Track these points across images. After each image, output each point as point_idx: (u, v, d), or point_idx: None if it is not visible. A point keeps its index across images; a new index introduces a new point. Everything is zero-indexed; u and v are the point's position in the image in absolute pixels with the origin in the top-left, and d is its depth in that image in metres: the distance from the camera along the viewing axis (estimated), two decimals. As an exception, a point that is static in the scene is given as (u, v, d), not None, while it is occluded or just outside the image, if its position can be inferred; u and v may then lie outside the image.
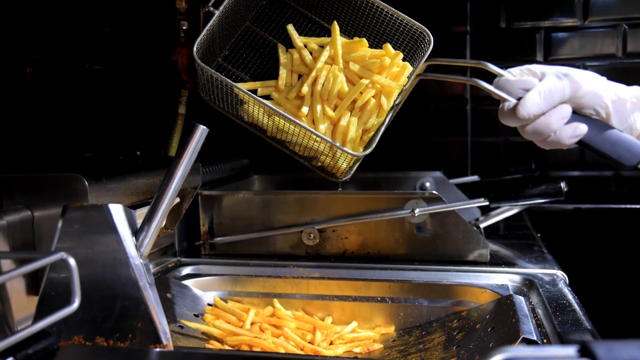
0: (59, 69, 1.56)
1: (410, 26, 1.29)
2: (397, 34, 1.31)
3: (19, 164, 1.41)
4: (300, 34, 1.32)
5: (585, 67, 2.23)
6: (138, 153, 1.88)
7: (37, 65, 1.47)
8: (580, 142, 1.15)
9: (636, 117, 1.14)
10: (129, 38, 1.87)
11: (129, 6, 1.86)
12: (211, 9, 1.24)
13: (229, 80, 1.22)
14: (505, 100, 1.15)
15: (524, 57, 2.28)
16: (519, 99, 1.14)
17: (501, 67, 1.19)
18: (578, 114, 1.15)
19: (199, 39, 1.23)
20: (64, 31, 1.58)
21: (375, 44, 1.32)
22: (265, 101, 1.22)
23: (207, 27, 1.24)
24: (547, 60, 2.26)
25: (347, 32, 1.34)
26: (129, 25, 1.88)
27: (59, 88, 1.56)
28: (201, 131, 1.06)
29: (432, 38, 1.26)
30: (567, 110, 1.13)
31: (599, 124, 1.15)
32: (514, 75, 1.17)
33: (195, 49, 1.22)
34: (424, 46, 1.29)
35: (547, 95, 1.11)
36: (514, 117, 1.14)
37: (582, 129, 1.13)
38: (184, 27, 1.87)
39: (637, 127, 1.15)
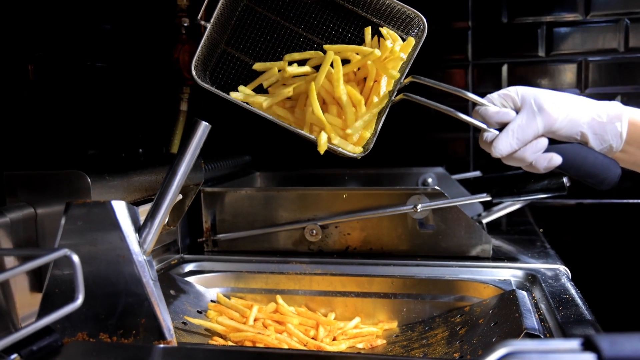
0: (61, 67, 1.56)
1: (403, 11, 1.27)
2: (389, 20, 1.29)
3: (22, 162, 1.41)
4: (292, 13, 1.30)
5: (587, 62, 2.22)
6: (140, 150, 1.88)
7: (38, 63, 1.48)
8: (558, 168, 1.18)
9: (614, 136, 1.15)
10: (130, 35, 1.87)
11: (130, 3, 1.87)
12: (202, 22, 1.23)
13: (230, 97, 1.23)
14: (485, 130, 1.19)
15: (525, 52, 2.27)
16: (500, 128, 1.17)
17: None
18: (556, 140, 1.17)
19: (195, 59, 1.22)
20: (66, 29, 1.58)
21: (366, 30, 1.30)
22: (263, 113, 1.22)
23: (202, 43, 1.22)
24: (549, 56, 2.25)
25: (337, 22, 1.32)
26: (130, 22, 1.88)
27: (60, 86, 1.56)
28: (203, 127, 1.06)
29: (426, 24, 1.25)
30: (542, 143, 1.16)
31: (576, 149, 1.17)
32: (494, 101, 1.19)
33: (193, 66, 1.22)
34: (419, 32, 1.27)
35: (520, 134, 1.14)
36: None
37: (556, 160, 1.16)
38: (185, 24, 1.87)
39: (616, 146, 1.15)
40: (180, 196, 1.53)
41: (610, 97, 2.22)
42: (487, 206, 1.99)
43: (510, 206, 1.93)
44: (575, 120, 1.14)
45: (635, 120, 1.14)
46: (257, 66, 1.28)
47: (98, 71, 1.72)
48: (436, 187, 1.67)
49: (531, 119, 1.14)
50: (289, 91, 1.23)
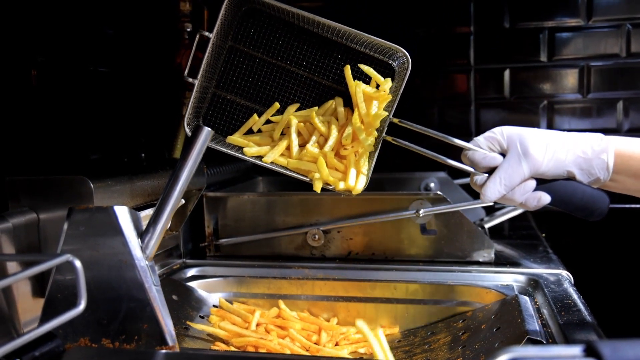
0: (63, 72, 1.57)
1: (385, 48, 1.26)
2: (374, 49, 1.28)
3: (24, 167, 1.41)
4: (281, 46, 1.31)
5: (589, 67, 2.23)
6: (143, 155, 1.88)
7: (41, 67, 1.48)
8: (548, 204, 1.20)
9: (601, 170, 1.16)
10: (133, 40, 1.87)
11: (132, 8, 1.87)
12: (189, 80, 1.23)
13: (231, 152, 1.25)
14: (474, 174, 1.22)
15: (527, 57, 2.28)
16: (488, 171, 1.20)
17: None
18: (544, 179, 1.19)
19: (186, 117, 1.23)
20: (68, 34, 1.58)
21: (352, 70, 1.28)
22: (263, 163, 1.25)
23: (191, 100, 1.22)
24: (551, 60, 2.26)
25: (322, 54, 1.31)
26: (133, 27, 1.88)
27: (63, 90, 1.56)
28: (206, 133, 1.06)
29: (409, 58, 1.24)
30: (530, 185, 1.19)
31: (563, 186, 1.19)
32: (480, 144, 1.21)
33: (186, 124, 1.22)
34: (403, 64, 1.27)
35: (507, 181, 1.17)
36: None
37: (545, 199, 1.19)
38: (188, 29, 1.87)
39: (603, 178, 1.17)
40: (183, 201, 1.53)
41: (612, 102, 2.23)
42: (490, 211, 1.99)
43: (512, 211, 1.93)
44: (561, 160, 1.16)
45: (622, 151, 1.15)
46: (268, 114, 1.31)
47: (100, 76, 1.72)
48: (438, 192, 1.67)
49: (517, 164, 1.16)
50: (286, 144, 1.26)
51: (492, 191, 1.18)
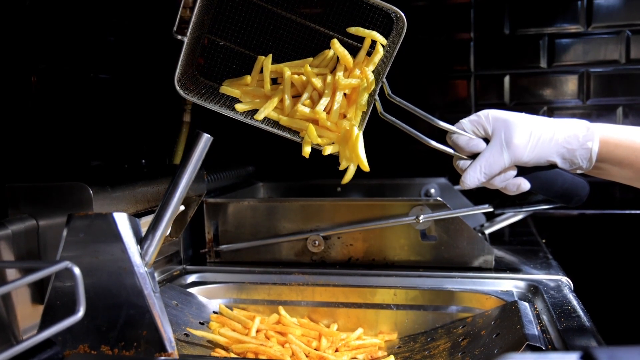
0: (64, 79, 1.57)
1: (381, 8, 1.20)
2: (365, 18, 1.23)
3: (24, 173, 1.41)
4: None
5: (588, 73, 2.23)
6: (143, 161, 1.88)
7: (42, 74, 1.48)
8: (529, 191, 1.22)
9: (583, 159, 1.17)
10: (134, 47, 1.88)
11: (133, 15, 1.87)
12: (178, 37, 1.22)
13: (223, 110, 1.22)
14: (459, 158, 1.22)
15: (527, 63, 2.28)
16: (471, 155, 1.21)
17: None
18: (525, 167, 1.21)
19: (177, 74, 1.20)
20: (69, 41, 1.58)
21: (342, 31, 1.24)
22: (250, 121, 1.23)
23: (181, 57, 1.20)
24: (551, 67, 2.26)
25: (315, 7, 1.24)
26: (134, 34, 1.89)
27: (64, 97, 1.57)
28: (205, 140, 1.06)
29: (405, 20, 1.21)
30: (510, 174, 1.21)
31: (544, 175, 1.21)
32: (465, 127, 1.21)
33: (176, 80, 1.20)
34: (398, 27, 1.23)
35: (488, 169, 1.18)
36: None
37: (524, 186, 1.21)
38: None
39: (586, 167, 1.18)
40: (183, 207, 1.53)
41: (611, 108, 2.23)
42: (490, 217, 1.99)
43: (512, 217, 1.93)
44: (544, 149, 1.16)
45: (607, 138, 1.15)
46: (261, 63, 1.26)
47: (101, 83, 1.72)
48: (438, 198, 1.67)
49: (499, 153, 1.17)
50: (279, 98, 1.24)
51: (472, 178, 1.19)
